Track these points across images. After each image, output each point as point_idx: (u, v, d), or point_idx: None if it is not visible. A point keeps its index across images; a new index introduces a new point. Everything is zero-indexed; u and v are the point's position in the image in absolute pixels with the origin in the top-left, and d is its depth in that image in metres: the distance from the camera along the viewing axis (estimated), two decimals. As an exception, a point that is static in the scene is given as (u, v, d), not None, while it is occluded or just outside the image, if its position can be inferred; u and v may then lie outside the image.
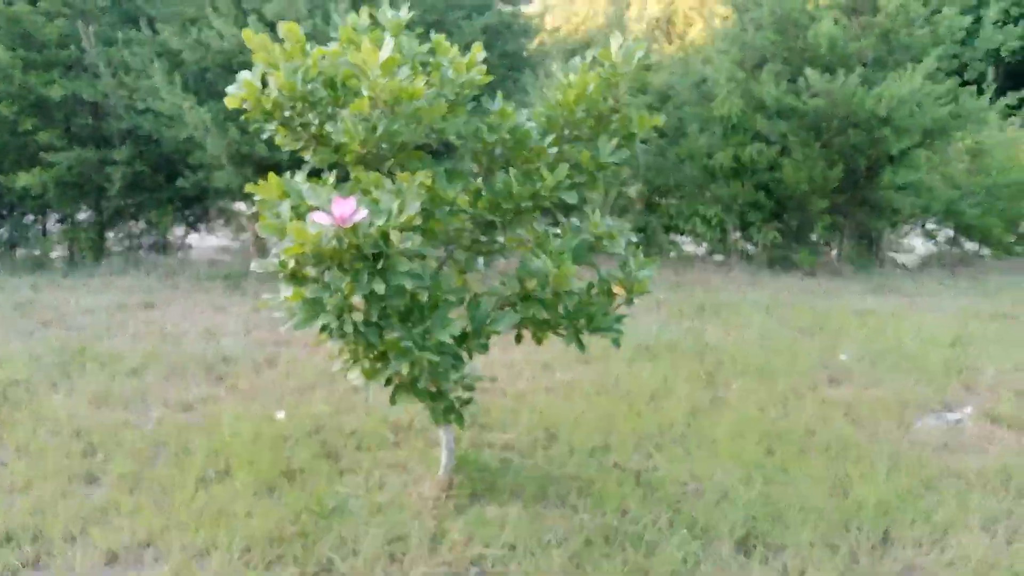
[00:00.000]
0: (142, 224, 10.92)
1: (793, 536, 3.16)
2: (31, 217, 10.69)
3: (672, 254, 10.78)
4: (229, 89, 2.81)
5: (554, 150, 3.14)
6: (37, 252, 10.10)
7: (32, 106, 9.50)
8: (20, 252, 10.28)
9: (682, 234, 10.73)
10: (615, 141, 3.25)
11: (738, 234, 10.39)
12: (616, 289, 3.25)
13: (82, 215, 10.60)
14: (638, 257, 3.26)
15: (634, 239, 3.29)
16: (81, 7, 9.63)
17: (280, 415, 4.34)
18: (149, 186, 10.23)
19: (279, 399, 4.65)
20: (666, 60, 13.43)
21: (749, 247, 10.38)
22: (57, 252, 10.29)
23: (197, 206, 11.32)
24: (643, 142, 10.60)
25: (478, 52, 3.01)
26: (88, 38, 9.46)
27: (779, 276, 9.73)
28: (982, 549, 3.08)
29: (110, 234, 10.74)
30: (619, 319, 3.20)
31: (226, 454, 3.81)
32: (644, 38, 17.86)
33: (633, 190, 11.05)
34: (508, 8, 16.76)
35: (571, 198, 3.03)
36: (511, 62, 14.59)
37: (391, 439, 4.11)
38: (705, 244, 10.61)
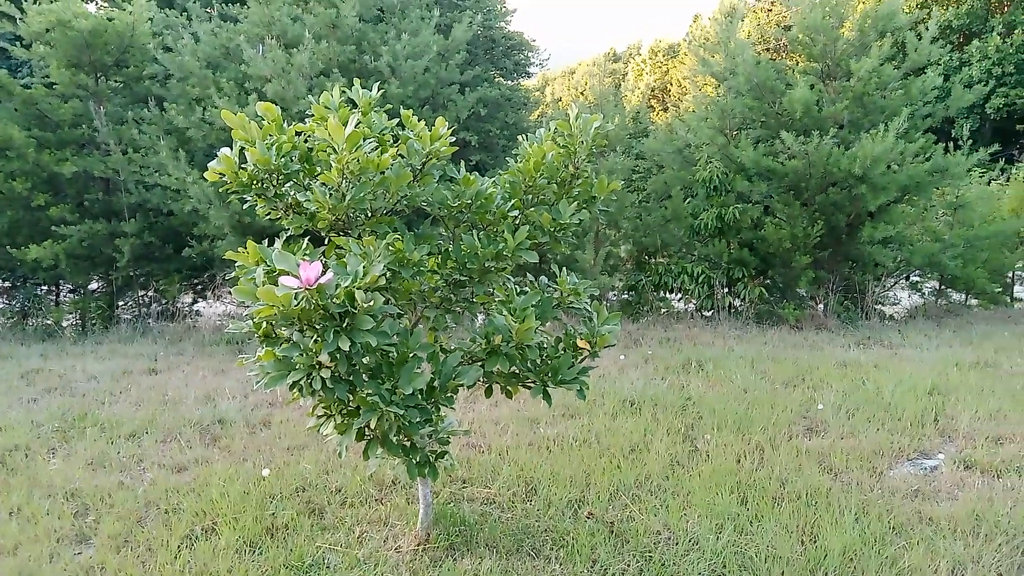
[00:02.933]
0: (151, 293, 11.16)
1: (758, 581, 3.25)
2: (44, 288, 10.98)
3: (663, 310, 10.95)
4: (210, 164, 3.06)
5: (515, 213, 3.37)
6: (49, 321, 10.32)
7: (45, 182, 9.90)
8: (32, 321, 10.50)
9: (671, 291, 10.94)
10: (575, 204, 3.47)
11: (725, 290, 10.58)
12: (581, 343, 3.42)
13: (93, 285, 10.85)
14: (601, 313, 3.44)
15: (596, 293, 3.47)
16: (94, 89, 10.13)
17: (265, 472, 4.47)
18: (158, 257, 10.55)
19: (270, 459, 4.78)
20: (656, 128, 13.99)
21: (736, 303, 10.56)
22: (69, 321, 10.49)
23: (204, 275, 11.62)
24: (645, 202, 10.89)
25: (442, 126, 3.25)
26: (100, 118, 9.93)
27: (766, 331, 9.84)
28: (946, 594, 3.15)
29: (120, 303, 10.96)
30: (584, 372, 3.35)
31: (212, 513, 3.94)
32: (638, 106, 18.47)
33: (623, 250, 11.35)
34: (507, 83, 17.55)
35: (531, 257, 3.23)
36: (512, 132, 15.30)
37: (375, 495, 4.22)
38: (694, 301, 10.79)
